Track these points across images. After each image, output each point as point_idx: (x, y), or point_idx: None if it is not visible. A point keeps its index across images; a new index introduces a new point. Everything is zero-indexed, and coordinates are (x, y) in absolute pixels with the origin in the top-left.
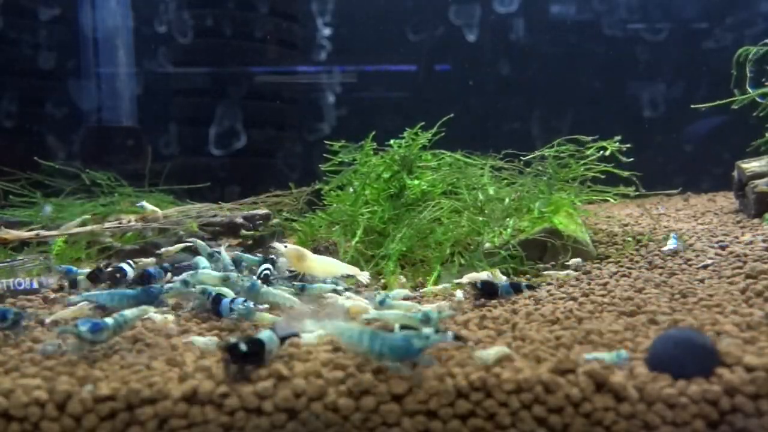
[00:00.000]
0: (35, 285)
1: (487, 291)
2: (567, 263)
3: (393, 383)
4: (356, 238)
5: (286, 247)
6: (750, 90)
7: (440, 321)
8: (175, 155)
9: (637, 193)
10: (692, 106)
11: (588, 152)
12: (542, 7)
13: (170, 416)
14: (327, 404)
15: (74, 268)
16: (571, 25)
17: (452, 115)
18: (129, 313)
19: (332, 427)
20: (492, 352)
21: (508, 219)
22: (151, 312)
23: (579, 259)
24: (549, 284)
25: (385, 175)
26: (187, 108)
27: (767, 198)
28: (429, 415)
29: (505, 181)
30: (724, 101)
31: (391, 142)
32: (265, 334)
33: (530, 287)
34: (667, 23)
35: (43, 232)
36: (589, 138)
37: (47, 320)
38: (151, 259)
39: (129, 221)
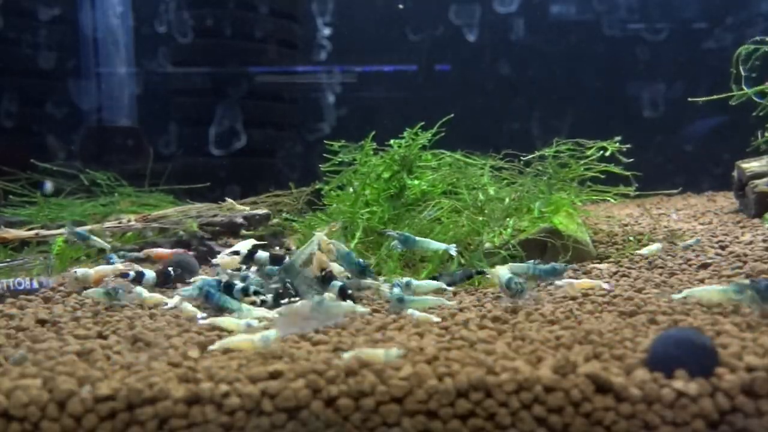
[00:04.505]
0: (35, 285)
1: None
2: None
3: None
4: (355, 240)
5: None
6: (748, 89)
7: None
8: (175, 155)
9: (638, 193)
10: (690, 99)
11: (588, 152)
12: (542, 7)
13: (170, 416)
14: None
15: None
16: (571, 25)
17: (452, 115)
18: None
19: (332, 427)
20: None
21: (508, 219)
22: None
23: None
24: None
25: (385, 175)
26: (187, 108)
27: (767, 198)
28: (429, 415)
29: (505, 181)
30: (721, 96)
31: (391, 142)
32: None
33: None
34: (667, 23)
35: (42, 232)
36: (590, 142)
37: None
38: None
39: (129, 221)
